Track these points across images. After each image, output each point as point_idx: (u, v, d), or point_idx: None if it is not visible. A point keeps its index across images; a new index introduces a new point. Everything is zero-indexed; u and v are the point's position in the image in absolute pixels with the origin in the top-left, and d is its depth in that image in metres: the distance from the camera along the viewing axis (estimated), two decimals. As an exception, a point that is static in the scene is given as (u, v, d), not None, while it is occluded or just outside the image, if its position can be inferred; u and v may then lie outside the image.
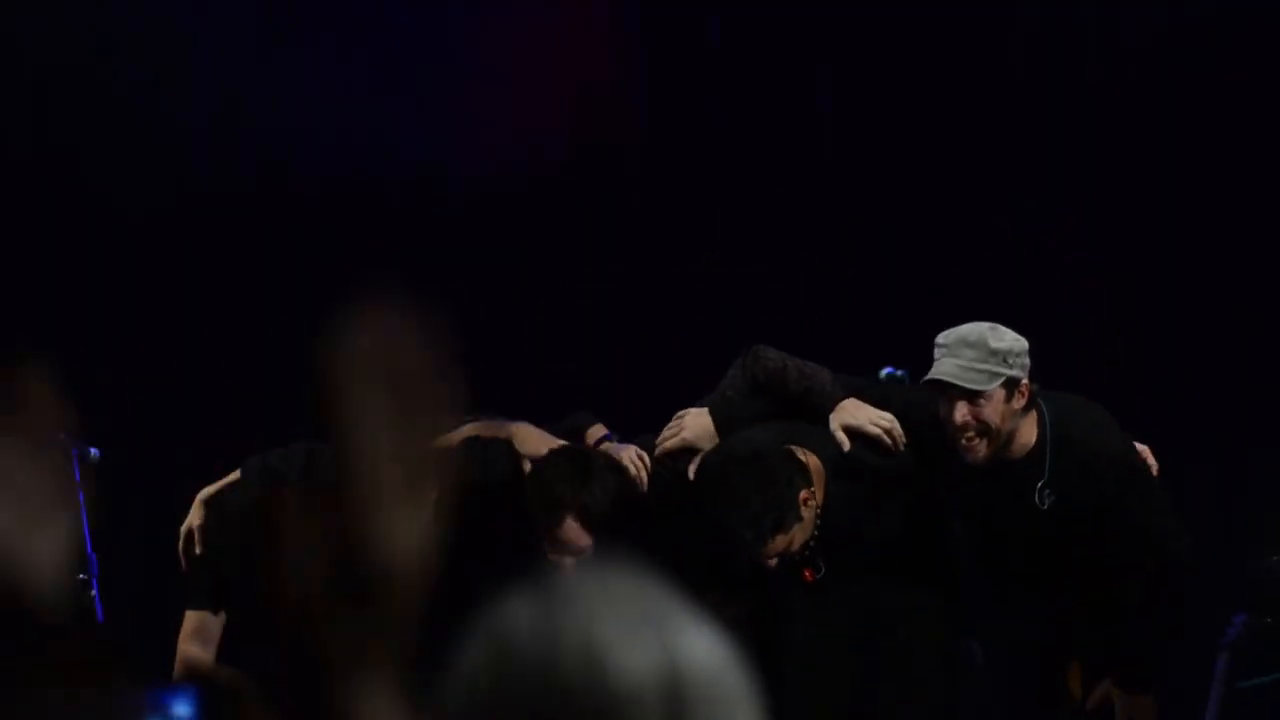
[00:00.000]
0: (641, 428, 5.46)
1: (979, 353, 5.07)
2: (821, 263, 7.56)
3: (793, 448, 5.15)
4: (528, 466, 5.30)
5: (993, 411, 5.05)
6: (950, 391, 5.05)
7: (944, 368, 5.07)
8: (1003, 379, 5.05)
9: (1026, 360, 5.12)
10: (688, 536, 5.21)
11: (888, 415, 5.24)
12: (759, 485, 5.00)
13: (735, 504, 5.00)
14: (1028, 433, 5.17)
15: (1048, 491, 5.16)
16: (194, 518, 5.40)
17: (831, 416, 5.24)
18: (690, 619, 1.26)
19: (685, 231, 7.71)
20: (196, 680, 1.19)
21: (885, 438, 5.21)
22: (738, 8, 7.80)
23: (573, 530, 5.09)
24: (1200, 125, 7.46)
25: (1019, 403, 5.10)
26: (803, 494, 5.05)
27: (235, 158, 7.64)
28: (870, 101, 7.74)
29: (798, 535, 5.04)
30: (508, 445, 5.37)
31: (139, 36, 7.51)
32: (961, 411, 5.03)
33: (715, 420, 5.31)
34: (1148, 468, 5.34)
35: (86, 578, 5.03)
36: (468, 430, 5.36)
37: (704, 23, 7.80)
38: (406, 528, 1.11)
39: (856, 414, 5.24)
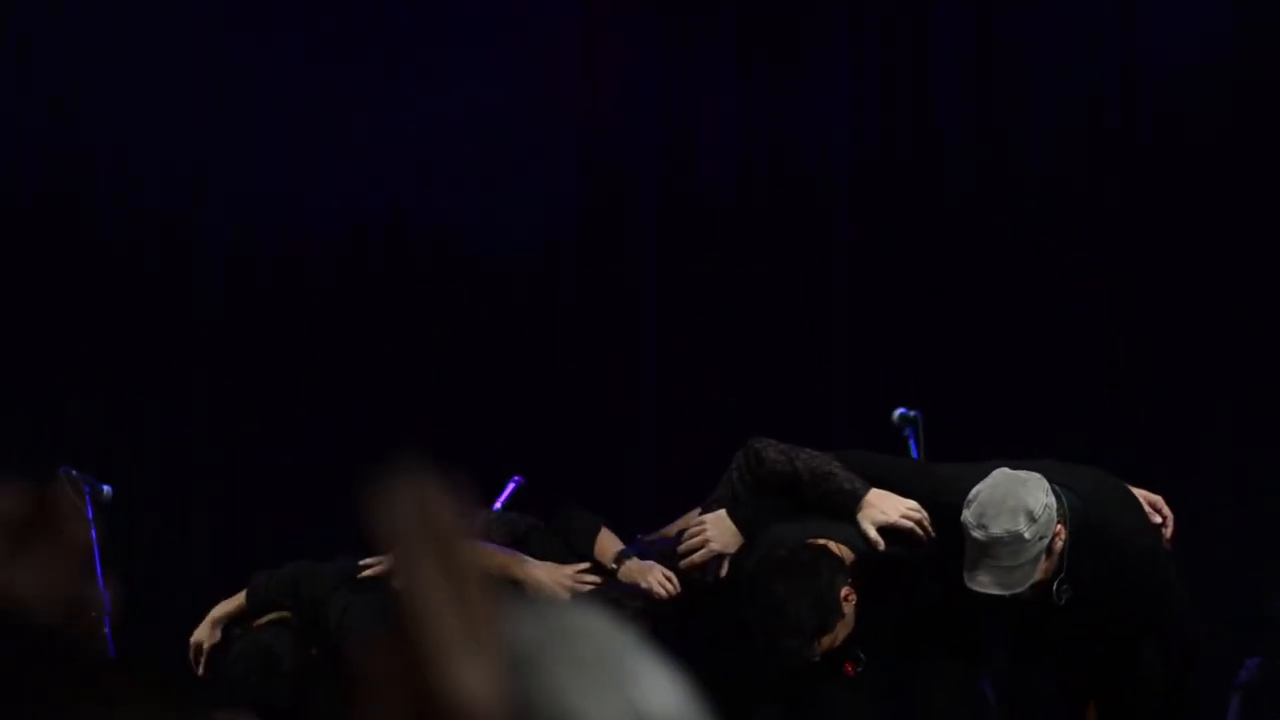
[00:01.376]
0: (642, 427, 5.39)
1: (1013, 547, 4.90)
2: (821, 263, 7.54)
3: (826, 542, 5.01)
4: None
5: (1039, 576, 4.94)
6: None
7: (983, 579, 4.92)
8: (1041, 550, 4.91)
9: (1054, 512, 4.95)
10: (726, 643, 5.09)
11: (915, 505, 5.09)
12: (800, 590, 4.87)
13: (777, 611, 4.88)
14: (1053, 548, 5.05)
15: (1065, 588, 5.04)
16: (205, 636, 5.22)
17: (860, 516, 5.09)
18: (649, 666, 1.27)
19: (684, 231, 7.69)
20: None
21: (917, 529, 5.08)
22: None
23: None
24: (1200, 125, 7.44)
25: (1056, 549, 4.96)
26: (844, 591, 4.92)
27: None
28: (870, 102, 7.70)
29: (841, 632, 4.94)
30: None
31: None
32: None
33: (736, 522, 5.15)
34: (1166, 555, 5.26)
35: (99, 614, 5.01)
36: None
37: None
38: (475, 675, 1.15)
39: (886, 509, 5.09)
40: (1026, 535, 4.91)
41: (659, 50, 7.79)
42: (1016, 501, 4.89)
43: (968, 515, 4.91)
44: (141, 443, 7.26)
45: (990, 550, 4.93)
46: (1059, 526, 4.94)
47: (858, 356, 7.43)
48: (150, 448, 7.29)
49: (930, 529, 5.09)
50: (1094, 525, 5.08)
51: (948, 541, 5.05)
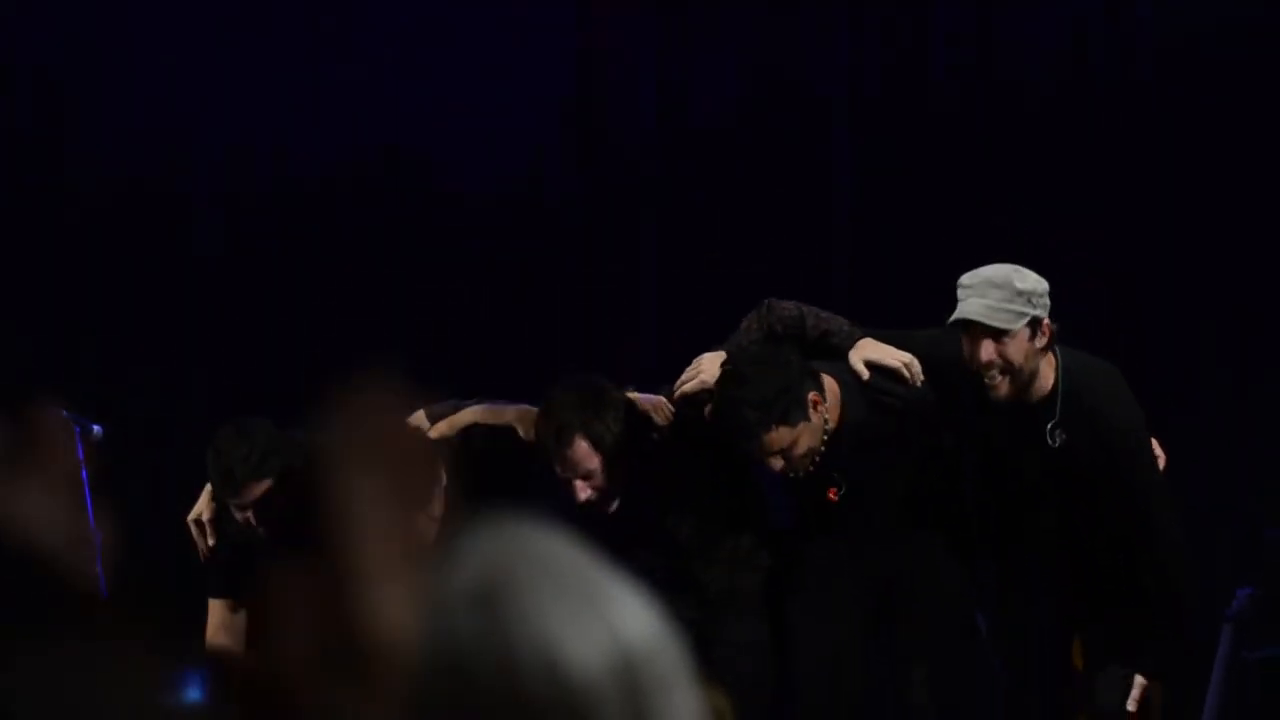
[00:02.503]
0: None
1: (1005, 293, 5.20)
2: (821, 263, 7.55)
3: (812, 365, 5.22)
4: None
5: (1017, 350, 5.19)
6: (976, 330, 5.18)
7: (971, 307, 5.18)
8: (1028, 318, 5.18)
9: (1048, 301, 5.27)
10: (706, 471, 5.36)
11: (907, 354, 5.30)
12: (770, 376, 5.08)
13: (744, 388, 5.07)
14: (1046, 376, 5.30)
15: (1059, 432, 5.27)
16: (204, 509, 5.43)
17: (851, 352, 5.31)
18: (624, 590, 1.24)
19: (684, 231, 7.68)
20: (206, 664, 1.20)
21: (904, 370, 5.25)
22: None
23: (582, 450, 5.14)
24: (1200, 125, 7.42)
25: (1041, 341, 5.24)
26: (812, 395, 5.11)
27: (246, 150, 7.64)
28: (870, 101, 7.67)
29: (803, 438, 5.09)
30: (510, 428, 5.39)
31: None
32: (987, 350, 5.17)
33: None
34: (1151, 448, 5.37)
35: (91, 553, 4.99)
36: (470, 415, 5.33)
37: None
38: (397, 605, 1.11)
39: (877, 350, 5.31)
40: (1018, 285, 5.21)
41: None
42: (1014, 269, 5.27)
43: (964, 278, 5.23)
44: (138, 385, 7.29)
45: (980, 289, 5.20)
46: (1047, 324, 5.23)
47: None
48: (147, 389, 7.32)
49: (918, 377, 5.27)
50: (1086, 398, 5.30)
51: (939, 392, 5.29)
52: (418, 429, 5.19)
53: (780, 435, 5.07)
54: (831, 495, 5.31)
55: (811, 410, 5.10)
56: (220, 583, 5.46)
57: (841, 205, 7.59)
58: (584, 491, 5.17)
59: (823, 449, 5.17)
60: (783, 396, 5.06)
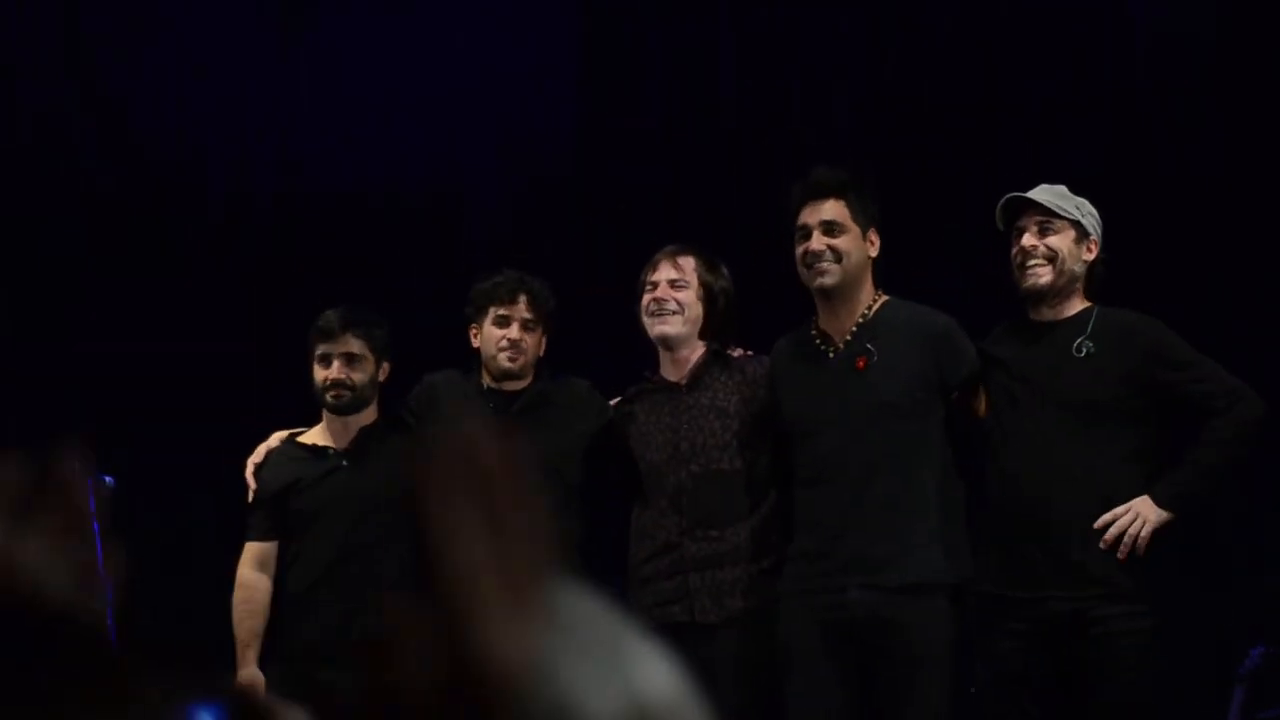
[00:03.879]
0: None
1: (1062, 196, 5.69)
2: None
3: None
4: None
5: (1062, 241, 5.64)
6: (1031, 212, 5.66)
7: (1032, 193, 5.67)
8: (1078, 220, 5.66)
9: (1099, 230, 5.72)
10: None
11: None
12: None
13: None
14: (1078, 301, 5.69)
15: (1089, 344, 5.56)
16: (258, 456, 6.34)
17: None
18: (645, 649, 1.22)
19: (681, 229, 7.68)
20: (223, 696, 1.18)
21: None
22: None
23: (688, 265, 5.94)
24: (1200, 125, 7.43)
25: (1085, 254, 5.69)
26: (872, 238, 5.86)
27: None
28: (870, 101, 7.69)
29: (853, 248, 5.78)
30: None
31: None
32: (1034, 236, 5.63)
33: None
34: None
35: (102, 604, 5.02)
36: None
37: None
38: (510, 635, 1.11)
39: None
40: (1075, 199, 5.71)
41: None
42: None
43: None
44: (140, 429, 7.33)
45: (1041, 189, 5.72)
46: (1094, 241, 5.71)
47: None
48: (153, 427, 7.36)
49: None
50: (1117, 312, 5.68)
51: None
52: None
53: (836, 208, 5.70)
54: (860, 364, 5.67)
55: (867, 242, 5.74)
56: (256, 525, 6.30)
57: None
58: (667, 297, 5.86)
59: (862, 318, 5.72)
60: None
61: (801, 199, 5.79)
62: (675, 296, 5.85)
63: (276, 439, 6.40)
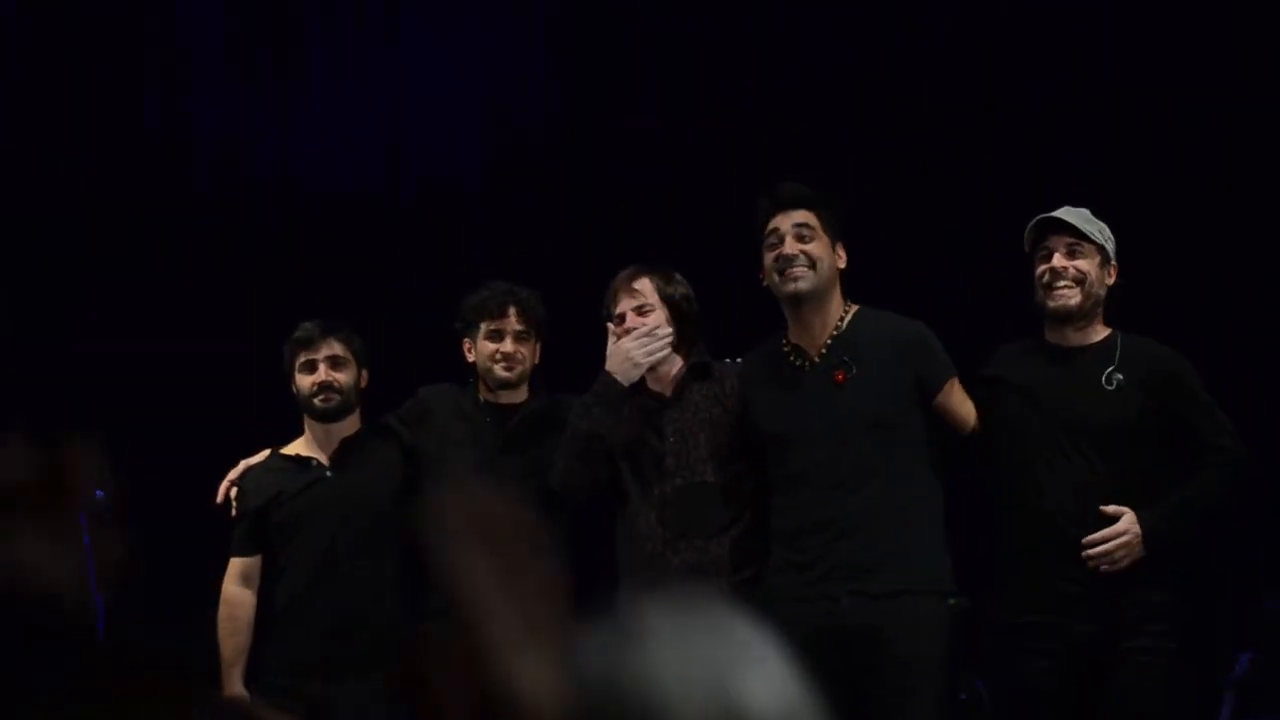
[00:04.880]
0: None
1: (1088, 220, 5.74)
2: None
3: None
4: None
5: (1089, 265, 5.69)
6: (1060, 233, 5.70)
7: (1061, 213, 5.71)
8: (1102, 245, 5.72)
9: (1113, 244, 5.77)
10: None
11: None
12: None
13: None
14: (1100, 326, 5.77)
15: (1118, 376, 5.60)
16: (235, 475, 6.34)
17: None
18: (759, 663, 1.28)
19: (680, 229, 7.69)
20: (220, 704, 1.26)
21: None
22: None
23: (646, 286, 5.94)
24: (1200, 124, 7.41)
25: (1108, 278, 5.75)
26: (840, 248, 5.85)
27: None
28: (870, 101, 7.69)
29: (823, 254, 5.79)
30: None
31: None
32: (1064, 257, 5.68)
33: None
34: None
35: (94, 621, 5.04)
36: None
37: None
38: (536, 673, 1.15)
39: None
40: (1096, 221, 5.76)
41: None
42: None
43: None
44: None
45: (1066, 210, 5.77)
46: (1114, 267, 5.75)
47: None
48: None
49: None
50: (1140, 340, 5.74)
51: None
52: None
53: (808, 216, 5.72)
54: (839, 378, 5.67)
55: (836, 255, 5.77)
56: (239, 540, 6.34)
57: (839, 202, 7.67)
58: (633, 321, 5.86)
59: (836, 331, 5.74)
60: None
61: (771, 210, 5.79)
62: (645, 323, 5.86)
63: (260, 456, 6.43)
